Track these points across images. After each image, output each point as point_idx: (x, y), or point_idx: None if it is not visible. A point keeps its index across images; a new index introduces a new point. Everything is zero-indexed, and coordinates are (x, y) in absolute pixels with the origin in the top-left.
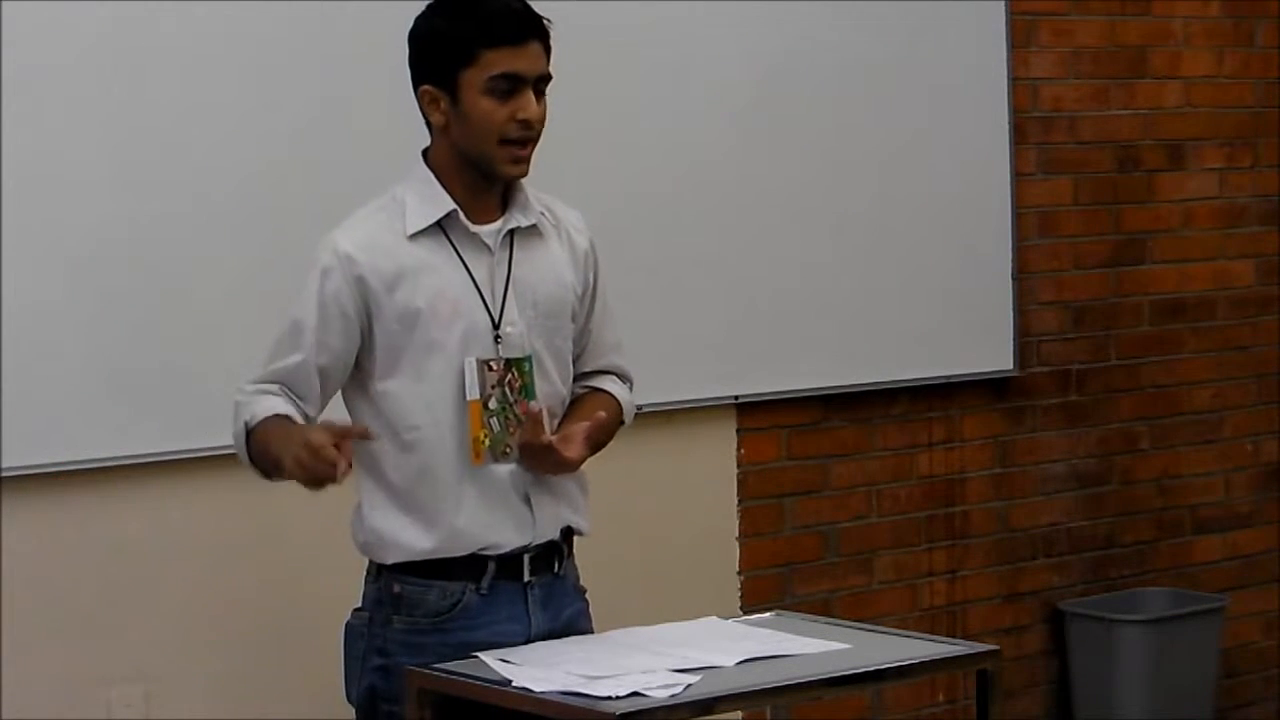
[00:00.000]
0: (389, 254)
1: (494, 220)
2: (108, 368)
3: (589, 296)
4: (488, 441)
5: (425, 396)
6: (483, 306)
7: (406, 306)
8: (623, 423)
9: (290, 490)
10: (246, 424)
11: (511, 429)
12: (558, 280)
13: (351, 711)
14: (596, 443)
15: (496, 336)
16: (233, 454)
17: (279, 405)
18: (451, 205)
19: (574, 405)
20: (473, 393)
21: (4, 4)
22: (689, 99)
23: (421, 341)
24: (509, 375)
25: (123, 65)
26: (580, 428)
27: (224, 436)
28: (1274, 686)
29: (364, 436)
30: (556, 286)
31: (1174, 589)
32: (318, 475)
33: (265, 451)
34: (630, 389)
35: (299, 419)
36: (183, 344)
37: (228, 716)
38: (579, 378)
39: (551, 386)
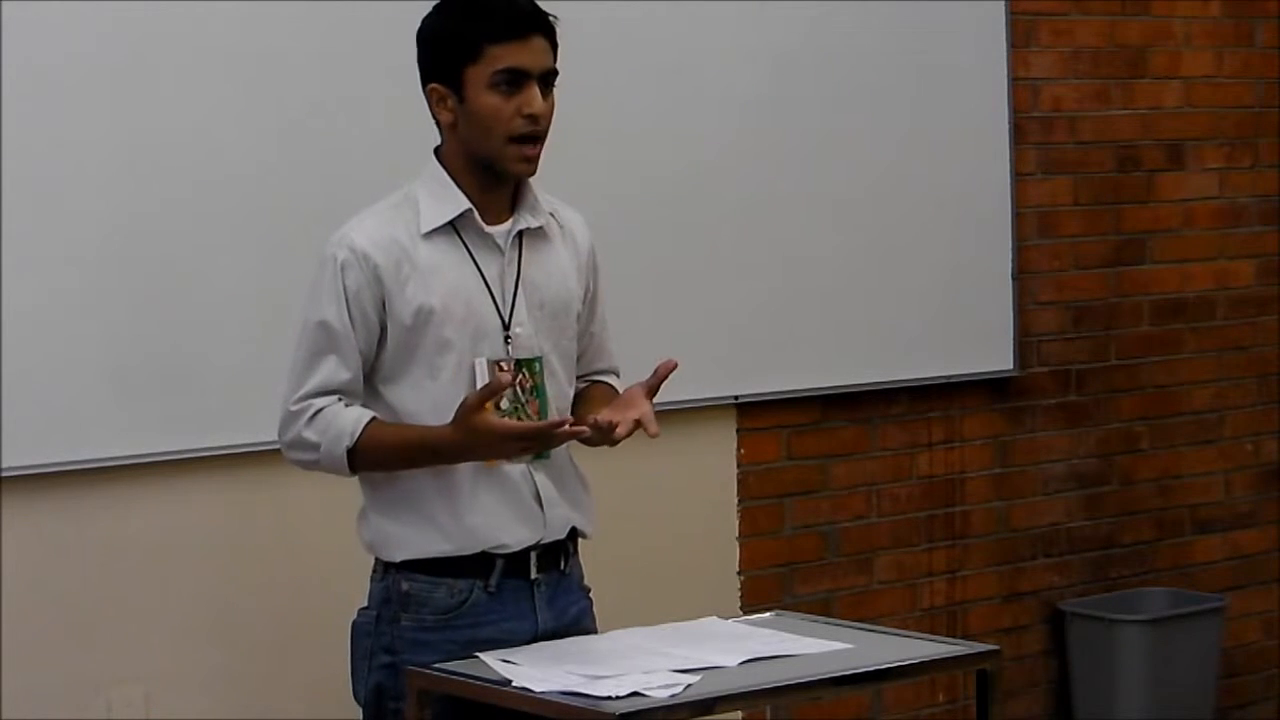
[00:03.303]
0: (404, 251)
1: (504, 220)
2: (109, 367)
3: (589, 299)
4: None
5: (435, 396)
6: (493, 307)
7: (420, 305)
8: None
9: (290, 490)
10: (348, 446)
11: None
12: (564, 282)
13: (355, 711)
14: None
15: (507, 337)
16: (233, 454)
17: (361, 414)
18: (466, 204)
19: (582, 397)
20: None
21: (4, 4)
22: (689, 99)
23: (434, 340)
24: (520, 375)
25: (123, 65)
26: (637, 390)
27: (225, 437)
28: (1274, 686)
29: (502, 387)
30: (563, 288)
31: (1174, 589)
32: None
33: (394, 450)
34: None
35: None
36: (184, 344)
37: (228, 716)
38: (578, 379)
39: (559, 388)
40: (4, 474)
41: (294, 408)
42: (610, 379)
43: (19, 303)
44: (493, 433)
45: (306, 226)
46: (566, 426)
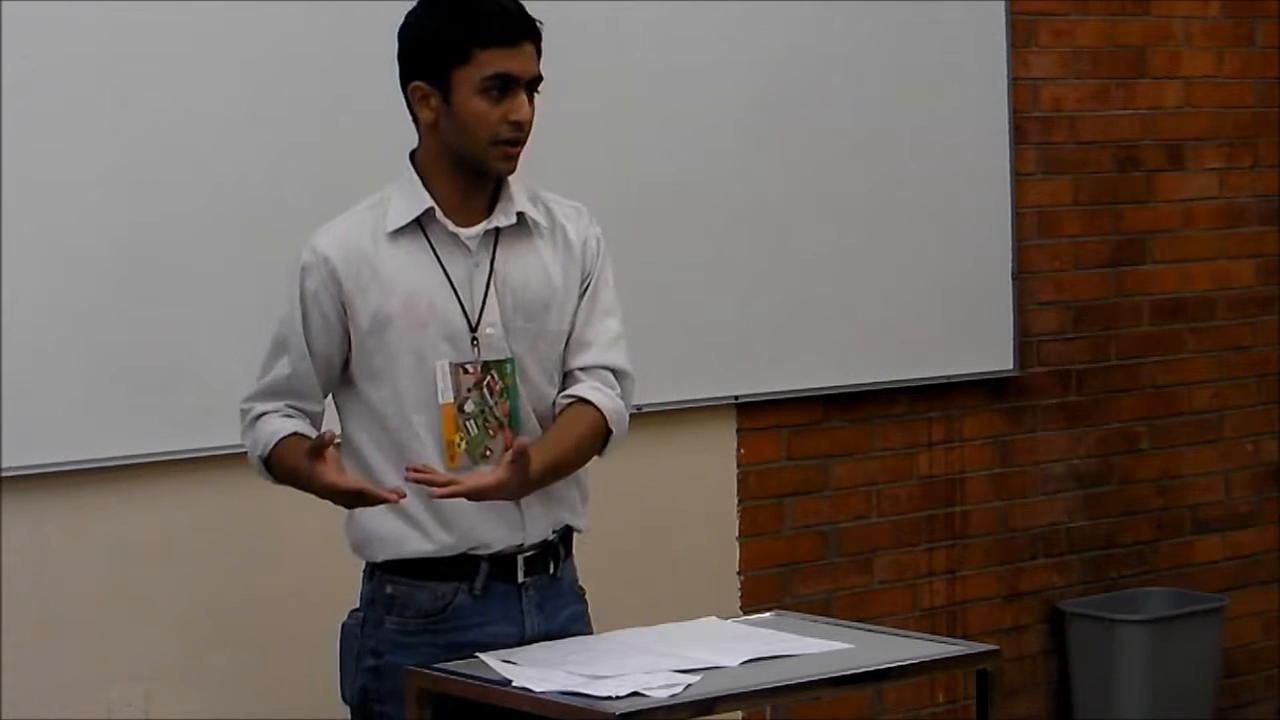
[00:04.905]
0: (364, 256)
1: (481, 221)
2: (108, 368)
3: (586, 289)
4: (463, 445)
5: (402, 399)
6: (459, 308)
7: (377, 310)
8: (610, 433)
9: (290, 490)
10: (261, 456)
11: (491, 431)
12: (544, 282)
13: (348, 712)
14: (547, 463)
15: (473, 339)
16: (233, 454)
17: (282, 428)
18: (430, 203)
19: (554, 421)
20: (445, 396)
21: (4, 4)
22: (689, 99)
23: (396, 344)
24: (488, 378)
25: (122, 65)
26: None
27: (224, 436)
28: (1274, 686)
29: (325, 444)
30: (542, 288)
31: (1174, 589)
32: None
33: (291, 475)
34: (626, 389)
35: (303, 425)
36: (183, 344)
37: (228, 716)
38: (565, 376)
39: (535, 390)
40: (4, 474)
41: (242, 406)
42: (593, 391)
43: (19, 303)
44: (316, 483)
45: (305, 228)
46: (375, 490)
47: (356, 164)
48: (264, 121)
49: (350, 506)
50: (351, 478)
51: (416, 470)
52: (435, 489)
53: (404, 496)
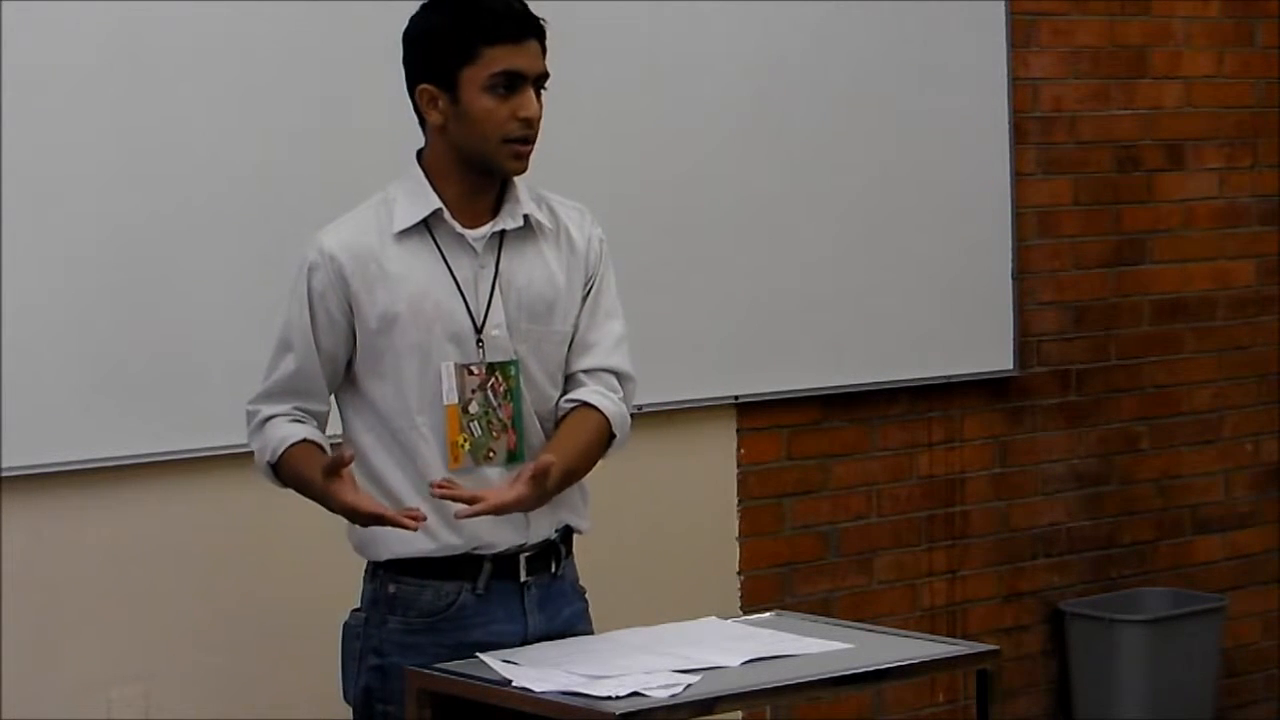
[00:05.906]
0: (372, 255)
1: (487, 223)
2: (108, 368)
3: (590, 291)
4: (467, 446)
5: (407, 399)
6: (465, 309)
7: (387, 309)
8: (613, 436)
9: (290, 491)
10: (270, 463)
11: (495, 433)
12: (549, 283)
13: (350, 712)
14: (565, 473)
15: (479, 340)
16: (233, 454)
17: (292, 433)
18: (438, 204)
19: (556, 427)
20: (450, 397)
21: (4, 4)
22: (689, 99)
23: (402, 344)
24: (492, 379)
25: (122, 65)
26: (525, 470)
27: (224, 437)
28: (1274, 686)
29: (343, 463)
30: (547, 289)
31: (1174, 589)
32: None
33: (301, 484)
34: (628, 391)
35: (313, 431)
36: (183, 344)
37: (228, 716)
38: (567, 379)
39: (538, 392)
40: (4, 474)
41: (249, 408)
42: (596, 395)
43: (19, 303)
44: (334, 502)
45: (305, 228)
46: (396, 515)
47: (356, 164)
48: (264, 121)
49: (365, 525)
50: (370, 500)
51: (441, 486)
52: (461, 510)
53: (424, 520)
